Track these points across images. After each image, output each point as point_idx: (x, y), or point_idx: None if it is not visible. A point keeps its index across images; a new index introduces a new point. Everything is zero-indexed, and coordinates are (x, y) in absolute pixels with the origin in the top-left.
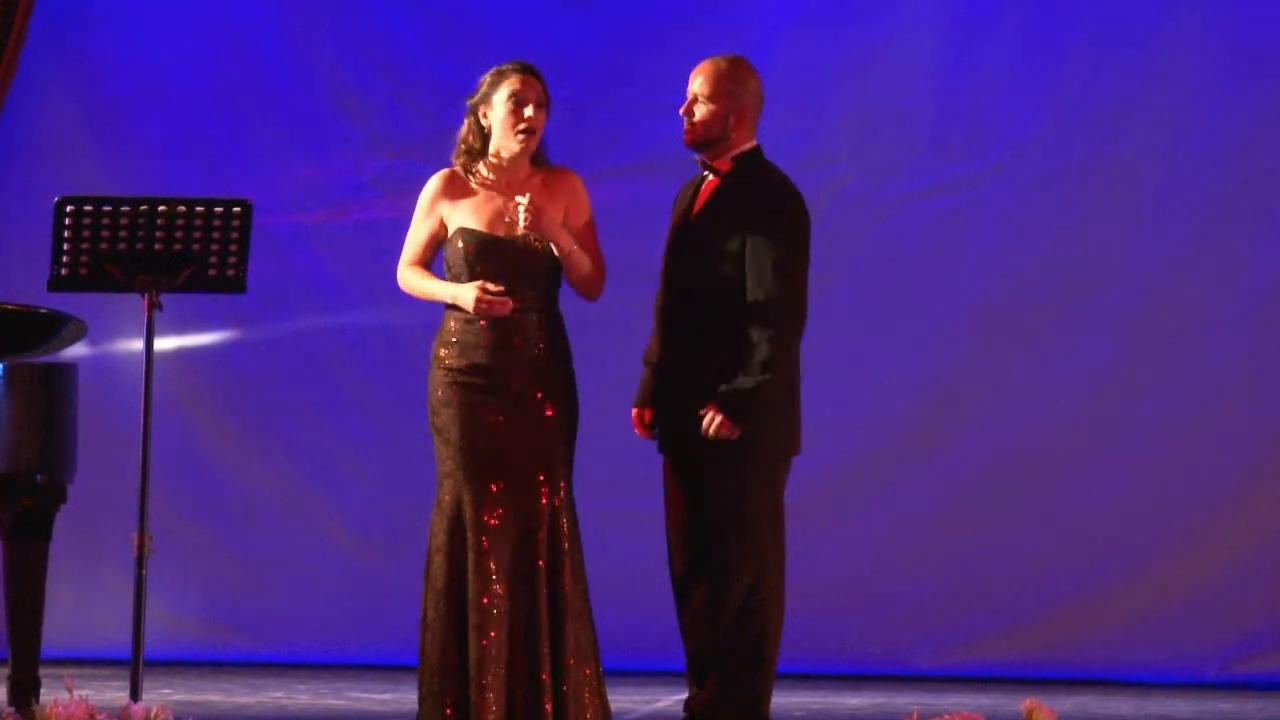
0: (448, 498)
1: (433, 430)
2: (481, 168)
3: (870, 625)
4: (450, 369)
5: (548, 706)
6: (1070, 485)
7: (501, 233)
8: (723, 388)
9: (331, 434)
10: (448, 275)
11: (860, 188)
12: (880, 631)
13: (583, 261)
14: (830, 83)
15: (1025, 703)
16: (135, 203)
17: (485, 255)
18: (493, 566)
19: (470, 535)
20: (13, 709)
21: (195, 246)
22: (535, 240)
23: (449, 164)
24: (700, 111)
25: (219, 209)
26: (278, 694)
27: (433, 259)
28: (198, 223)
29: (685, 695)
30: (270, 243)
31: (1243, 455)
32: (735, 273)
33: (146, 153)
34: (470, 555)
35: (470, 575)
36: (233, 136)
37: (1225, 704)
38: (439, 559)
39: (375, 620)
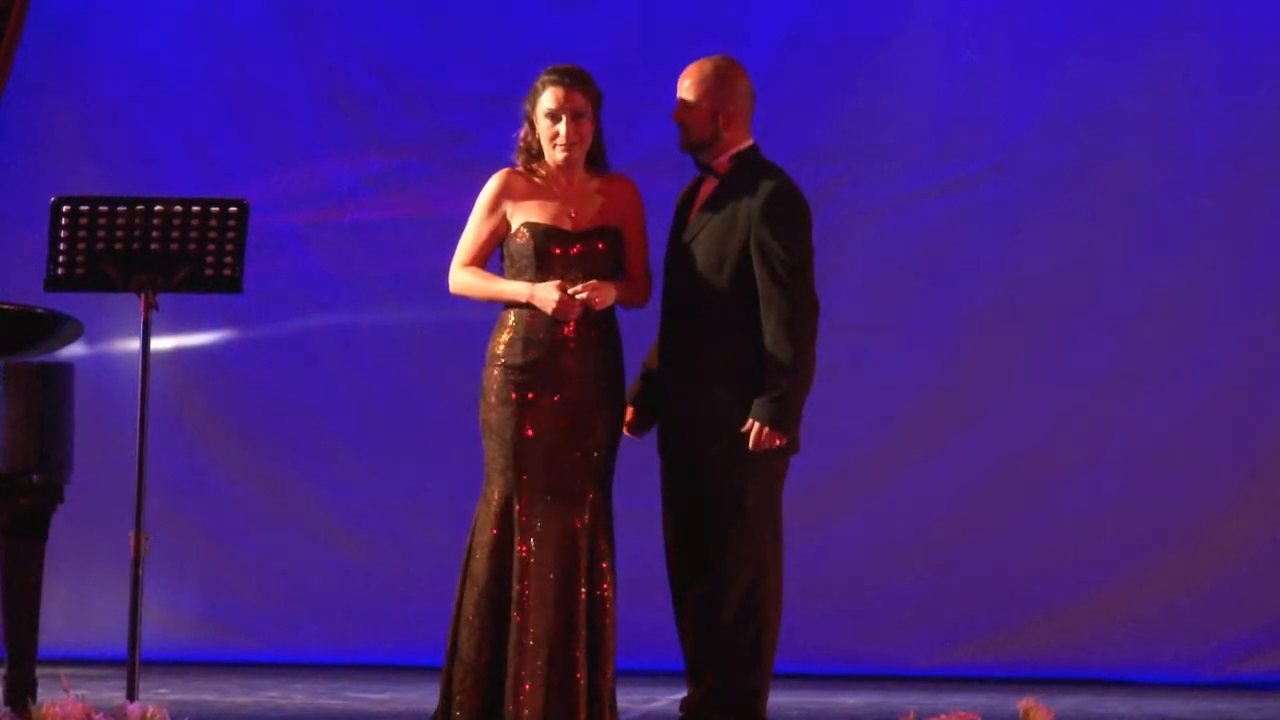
0: (497, 496)
1: (485, 427)
2: (541, 167)
3: (868, 625)
4: (510, 367)
5: (581, 714)
6: (1069, 485)
7: (568, 227)
8: (759, 399)
9: (328, 434)
10: (509, 271)
11: (858, 188)
12: (878, 631)
13: (630, 297)
14: (829, 83)
15: (1022, 702)
16: (132, 202)
17: (553, 250)
18: (537, 566)
19: (518, 535)
20: (9, 709)
21: (192, 246)
22: (599, 240)
23: (446, 164)
24: (690, 115)
25: (215, 209)
26: (274, 694)
27: (489, 259)
28: (194, 223)
29: (683, 695)
30: (267, 242)
31: (1241, 455)
32: (740, 271)
33: (144, 152)
34: (517, 555)
35: (516, 575)
36: (230, 136)
37: (1223, 704)
38: (482, 555)
39: (372, 620)
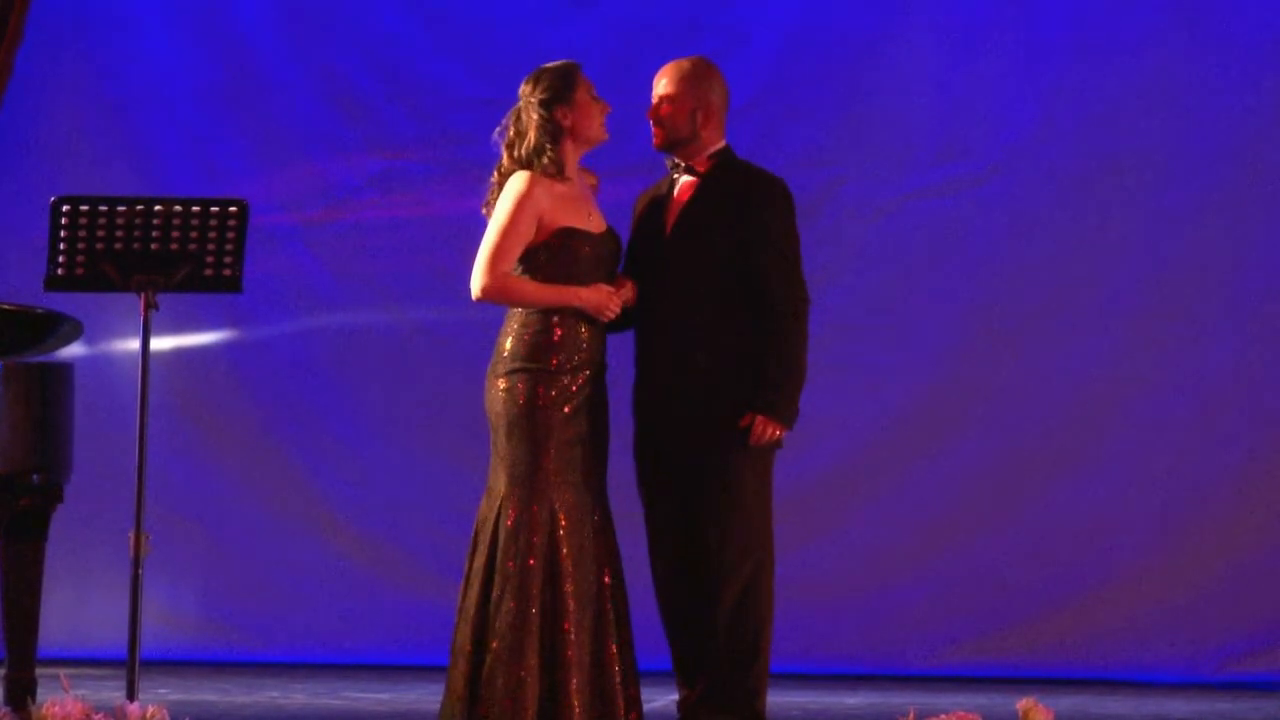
0: (534, 501)
1: (516, 433)
2: (565, 167)
3: (868, 625)
4: (546, 372)
5: (620, 711)
6: (1068, 485)
7: (593, 229)
8: (761, 392)
9: (328, 434)
10: (536, 276)
11: (858, 188)
12: (878, 631)
13: None
14: (829, 83)
15: (1022, 702)
16: (132, 202)
17: (585, 253)
18: (576, 568)
19: (561, 539)
20: (9, 709)
21: (192, 246)
22: (613, 241)
23: (446, 165)
24: (667, 113)
25: (215, 209)
26: (274, 694)
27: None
28: (194, 222)
29: (677, 696)
30: (267, 243)
31: (1241, 455)
32: (734, 267)
33: (144, 153)
34: (560, 559)
35: (558, 579)
36: (231, 136)
37: (1222, 704)
38: (521, 562)
39: (372, 620)
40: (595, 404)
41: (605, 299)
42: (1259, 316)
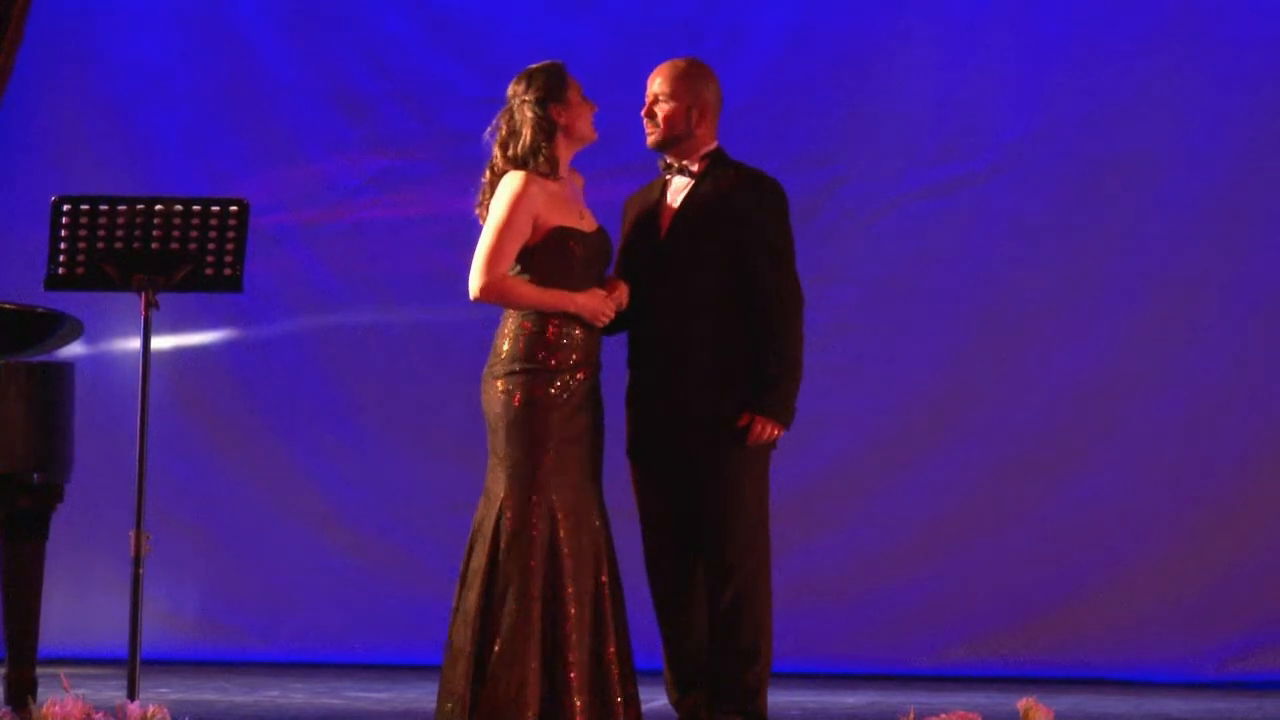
0: (537, 502)
1: (516, 436)
2: (559, 166)
3: (868, 624)
4: (544, 373)
5: (619, 707)
6: (1069, 485)
7: (585, 229)
8: (759, 392)
9: (328, 433)
10: (530, 275)
11: (857, 188)
12: (877, 631)
13: None
14: (828, 83)
15: (1022, 702)
16: (132, 202)
17: (580, 251)
18: (576, 569)
19: (562, 540)
20: (9, 708)
21: (192, 246)
22: (604, 240)
23: (446, 164)
24: (662, 110)
25: (216, 208)
26: (274, 693)
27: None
28: (194, 222)
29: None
30: (267, 242)
31: (1241, 455)
32: (732, 267)
33: (145, 152)
34: (561, 559)
35: (558, 579)
36: (231, 136)
37: (1222, 703)
38: (530, 566)
39: (372, 620)
40: (592, 404)
41: (600, 304)
42: (1258, 316)
